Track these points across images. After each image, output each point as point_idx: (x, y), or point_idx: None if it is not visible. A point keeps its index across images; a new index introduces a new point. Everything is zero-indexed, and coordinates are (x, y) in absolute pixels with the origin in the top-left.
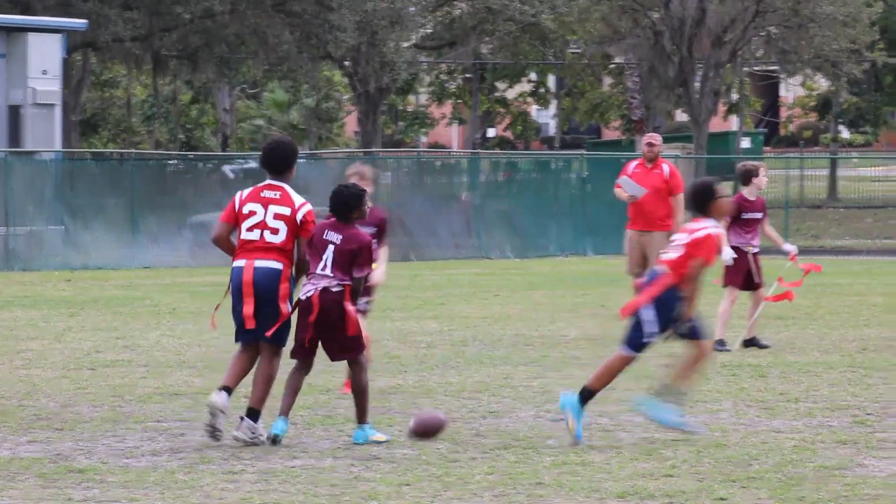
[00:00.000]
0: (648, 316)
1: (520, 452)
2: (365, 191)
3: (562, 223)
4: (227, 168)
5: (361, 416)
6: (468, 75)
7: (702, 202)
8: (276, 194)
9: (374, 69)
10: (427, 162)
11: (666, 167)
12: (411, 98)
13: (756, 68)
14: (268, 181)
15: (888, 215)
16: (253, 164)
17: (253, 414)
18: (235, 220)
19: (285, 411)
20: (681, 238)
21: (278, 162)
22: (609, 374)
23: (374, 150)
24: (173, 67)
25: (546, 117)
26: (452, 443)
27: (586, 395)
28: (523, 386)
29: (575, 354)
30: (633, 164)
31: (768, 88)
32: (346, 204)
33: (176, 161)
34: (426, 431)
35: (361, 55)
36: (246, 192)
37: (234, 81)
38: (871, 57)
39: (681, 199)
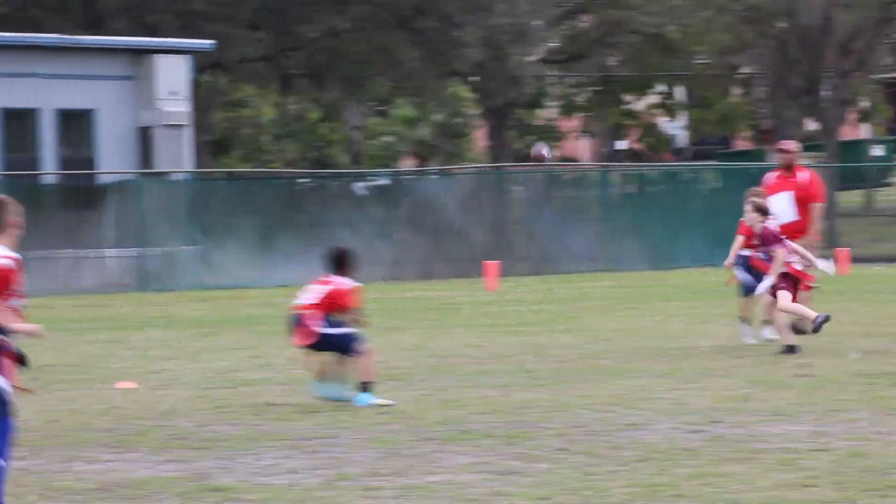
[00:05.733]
0: None
1: (658, 465)
2: None
3: (694, 234)
4: (357, 185)
5: None
6: (596, 88)
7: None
8: None
9: (501, 84)
10: (557, 175)
11: (804, 175)
12: (539, 112)
13: (886, 75)
14: None
15: None
16: (383, 181)
17: None
18: None
19: None
20: None
21: None
22: None
23: (503, 164)
24: (301, 86)
25: (676, 129)
26: (590, 456)
27: None
28: (659, 398)
29: (709, 366)
30: (771, 174)
31: None
32: None
33: (307, 179)
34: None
35: (487, 70)
36: None
37: (361, 99)
38: None
39: (818, 207)
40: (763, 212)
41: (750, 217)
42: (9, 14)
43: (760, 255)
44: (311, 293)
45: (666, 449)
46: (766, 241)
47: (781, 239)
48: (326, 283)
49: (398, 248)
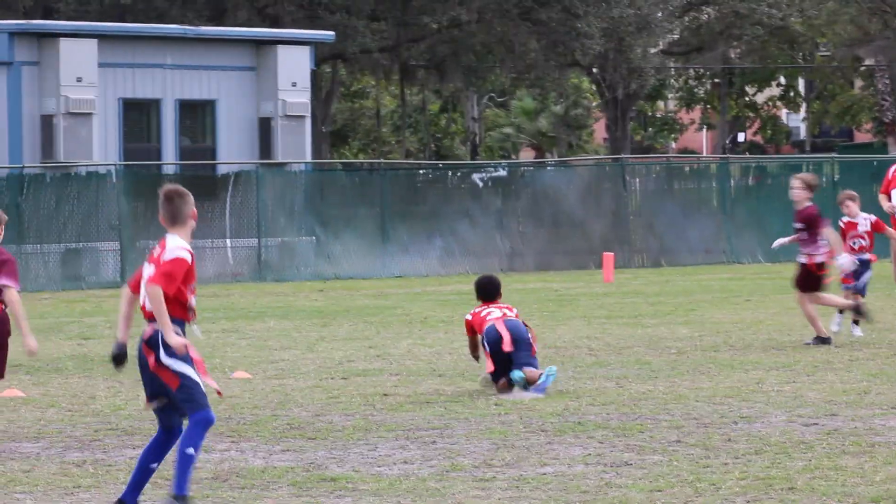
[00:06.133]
0: None
1: (772, 457)
2: None
3: None
4: (476, 176)
5: None
6: (716, 80)
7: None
8: None
9: (622, 75)
10: (676, 167)
11: None
12: (660, 104)
13: None
14: None
15: None
16: (503, 173)
17: None
18: None
19: None
20: None
21: None
22: None
23: (623, 156)
24: (421, 77)
25: (796, 121)
26: (704, 448)
27: None
28: (775, 391)
29: (826, 359)
30: (893, 167)
31: None
32: None
33: (426, 170)
34: None
35: (609, 62)
36: None
37: (481, 90)
38: None
39: None
40: (811, 188)
41: (797, 193)
42: (133, 5)
43: (804, 235)
44: (505, 313)
45: (780, 442)
46: (810, 222)
47: (823, 219)
48: (507, 307)
49: (516, 239)
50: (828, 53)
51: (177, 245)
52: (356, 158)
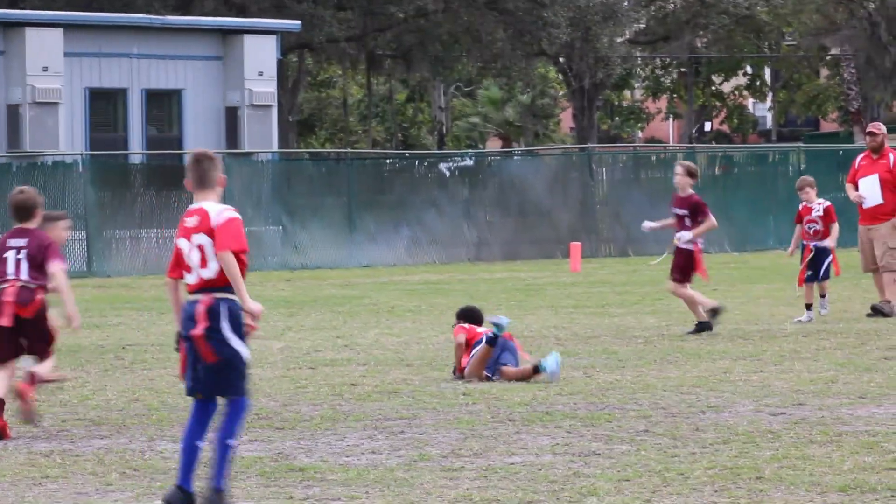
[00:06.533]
0: None
1: (739, 447)
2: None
3: (779, 216)
4: (443, 166)
5: None
6: (683, 69)
7: None
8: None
9: (589, 65)
10: (643, 157)
11: (893, 157)
12: (626, 93)
13: None
14: None
15: None
16: (469, 162)
17: None
18: None
19: None
20: None
21: None
22: None
23: (589, 145)
24: (388, 66)
25: (762, 110)
26: (672, 438)
27: None
28: (742, 380)
29: (794, 348)
30: (860, 157)
31: None
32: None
33: (392, 160)
34: None
35: (575, 51)
36: None
37: (448, 80)
38: None
39: None
40: (693, 176)
41: (680, 180)
42: None
43: (686, 221)
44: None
45: (748, 431)
46: (696, 208)
47: (706, 207)
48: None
49: (483, 229)
50: (794, 43)
51: (220, 208)
52: (323, 148)
